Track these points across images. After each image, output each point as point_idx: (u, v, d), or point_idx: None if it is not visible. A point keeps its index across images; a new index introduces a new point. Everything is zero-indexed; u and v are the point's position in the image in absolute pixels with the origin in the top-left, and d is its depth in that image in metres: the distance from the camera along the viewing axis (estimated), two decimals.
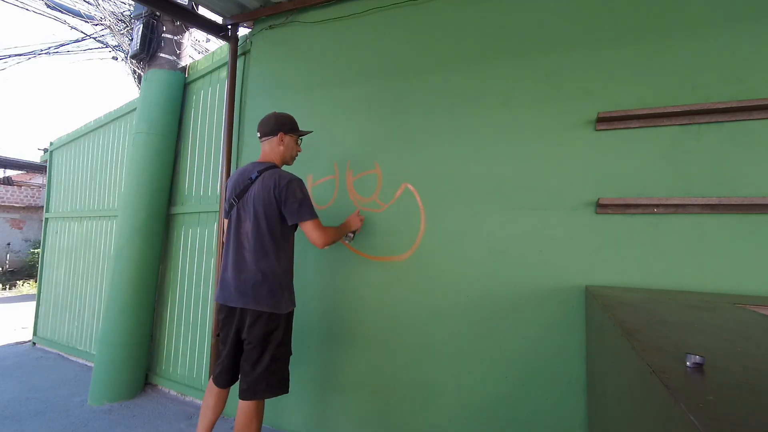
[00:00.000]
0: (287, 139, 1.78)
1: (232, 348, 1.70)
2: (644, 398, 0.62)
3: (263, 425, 2.27)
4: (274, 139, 1.75)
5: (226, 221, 1.79)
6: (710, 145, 1.53)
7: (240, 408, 1.62)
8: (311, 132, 2.00)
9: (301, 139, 1.90)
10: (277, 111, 1.83)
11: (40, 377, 3.28)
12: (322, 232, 1.67)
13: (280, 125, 1.76)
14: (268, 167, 1.71)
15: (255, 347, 1.62)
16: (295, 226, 1.74)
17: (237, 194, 1.72)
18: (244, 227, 1.67)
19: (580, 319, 1.65)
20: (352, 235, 2.02)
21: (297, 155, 1.88)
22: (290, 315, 1.72)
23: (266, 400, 1.74)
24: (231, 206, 1.74)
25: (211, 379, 1.77)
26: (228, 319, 1.69)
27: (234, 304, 1.64)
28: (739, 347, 0.70)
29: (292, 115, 1.85)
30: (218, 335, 1.77)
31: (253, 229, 1.64)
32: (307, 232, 1.65)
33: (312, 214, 1.65)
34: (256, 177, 1.68)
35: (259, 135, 1.79)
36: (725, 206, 1.47)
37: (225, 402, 1.80)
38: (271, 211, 1.63)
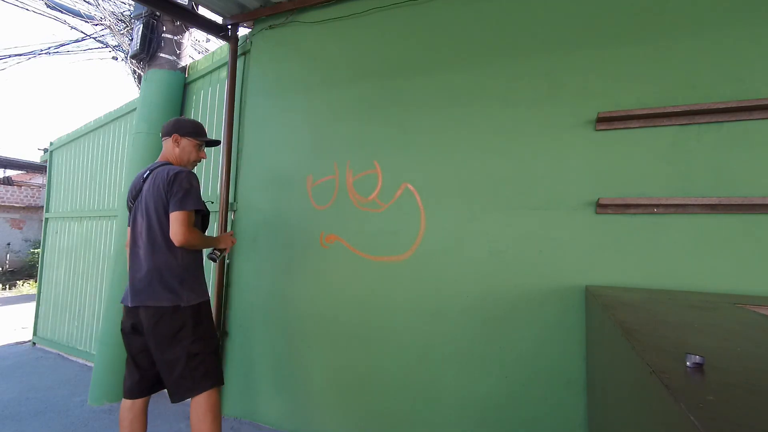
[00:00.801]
0: (184, 141, 1.74)
1: (140, 353, 1.63)
2: (644, 398, 0.62)
3: (263, 425, 2.28)
4: (169, 140, 1.74)
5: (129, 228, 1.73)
6: (710, 145, 1.53)
7: (191, 406, 1.58)
8: (217, 142, 1.94)
9: (203, 145, 1.82)
10: (183, 116, 1.81)
11: (40, 377, 3.28)
12: (187, 228, 1.55)
13: (177, 128, 1.74)
14: (160, 165, 1.69)
15: (165, 348, 1.54)
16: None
17: (133, 196, 1.70)
18: (138, 226, 1.63)
19: (580, 319, 1.65)
20: (218, 252, 1.89)
21: (199, 161, 1.83)
22: (199, 308, 1.62)
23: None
24: (129, 210, 1.72)
25: (123, 396, 1.67)
26: (128, 321, 1.62)
27: (131, 302, 1.57)
28: (739, 347, 0.70)
29: (200, 122, 1.84)
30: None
31: (146, 226, 1.60)
32: (174, 221, 1.54)
33: (189, 206, 1.57)
34: (147, 175, 1.67)
35: (161, 135, 1.79)
36: (725, 206, 1.47)
37: (146, 414, 1.69)
38: (161, 205, 1.59)
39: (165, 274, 1.57)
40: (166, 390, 1.62)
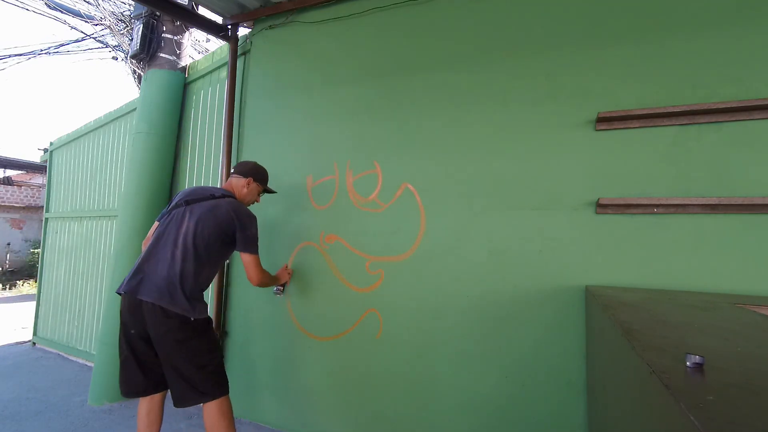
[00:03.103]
0: (253, 186, 1.95)
1: (145, 355, 1.64)
2: (644, 398, 0.62)
3: (263, 425, 2.28)
4: (242, 180, 1.93)
5: (156, 224, 1.79)
6: (710, 145, 1.53)
7: (204, 412, 1.62)
8: (275, 192, 2.16)
9: (263, 194, 2.08)
10: (258, 163, 2.02)
11: (40, 377, 3.28)
12: (260, 270, 1.82)
13: (254, 174, 1.96)
14: (232, 196, 1.86)
15: (173, 355, 1.57)
16: (229, 254, 1.85)
17: (188, 200, 1.76)
18: (186, 230, 1.67)
19: (580, 319, 1.65)
20: (282, 288, 2.23)
21: (253, 203, 2.04)
22: (206, 322, 1.67)
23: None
24: (176, 207, 1.76)
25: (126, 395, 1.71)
26: (130, 317, 1.60)
27: (147, 297, 1.55)
28: (739, 347, 0.70)
29: (263, 166, 2.02)
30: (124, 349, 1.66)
31: (197, 235, 1.66)
32: (249, 264, 1.78)
33: (257, 251, 1.80)
34: (219, 197, 1.79)
35: (233, 170, 1.97)
36: (725, 206, 1.47)
37: (162, 406, 1.75)
38: (220, 230, 1.70)
39: (190, 285, 1.62)
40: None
